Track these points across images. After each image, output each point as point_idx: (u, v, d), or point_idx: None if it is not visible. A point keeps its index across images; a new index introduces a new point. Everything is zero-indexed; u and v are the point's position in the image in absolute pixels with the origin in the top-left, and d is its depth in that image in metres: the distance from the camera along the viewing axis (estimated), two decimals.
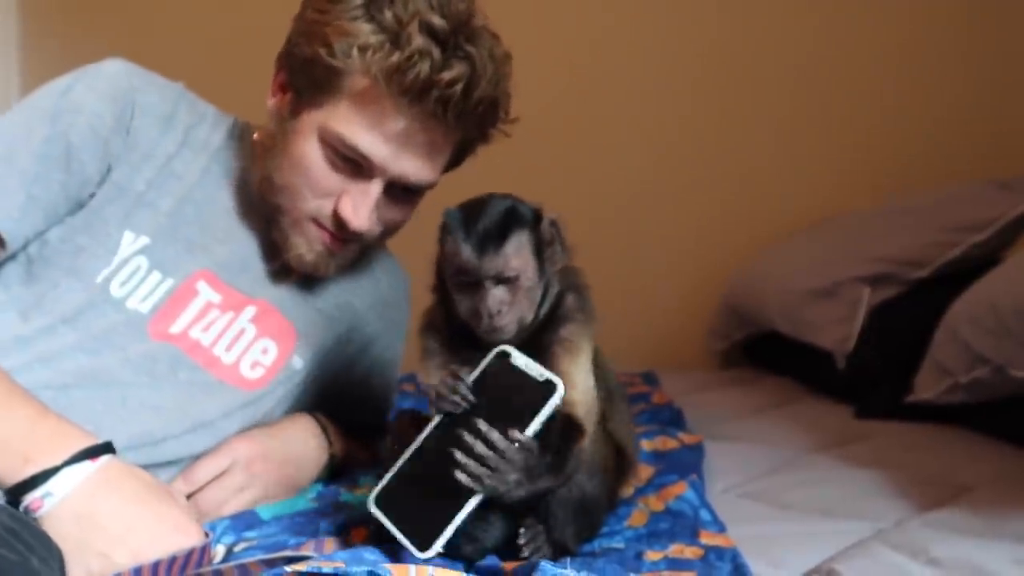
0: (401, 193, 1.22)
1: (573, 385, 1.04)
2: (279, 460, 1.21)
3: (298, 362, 1.28)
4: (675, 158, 2.66)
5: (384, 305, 1.42)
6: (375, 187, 1.18)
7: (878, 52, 2.63)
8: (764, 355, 2.48)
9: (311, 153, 1.17)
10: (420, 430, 1.01)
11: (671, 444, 1.50)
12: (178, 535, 0.95)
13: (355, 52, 1.11)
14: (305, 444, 1.26)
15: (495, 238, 1.00)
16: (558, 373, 1.01)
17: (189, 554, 0.93)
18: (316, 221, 1.21)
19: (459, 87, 1.12)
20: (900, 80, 2.62)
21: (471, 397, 0.97)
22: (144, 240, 1.19)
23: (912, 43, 2.62)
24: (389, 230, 1.28)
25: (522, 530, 0.99)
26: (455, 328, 1.05)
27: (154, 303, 1.18)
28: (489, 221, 1.01)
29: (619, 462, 1.16)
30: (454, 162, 1.28)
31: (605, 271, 2.46)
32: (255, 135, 1.30)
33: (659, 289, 2.65)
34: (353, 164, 1.17)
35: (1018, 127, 2.53)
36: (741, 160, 2.65)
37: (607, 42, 2.67)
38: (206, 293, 1.21)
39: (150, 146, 1.21)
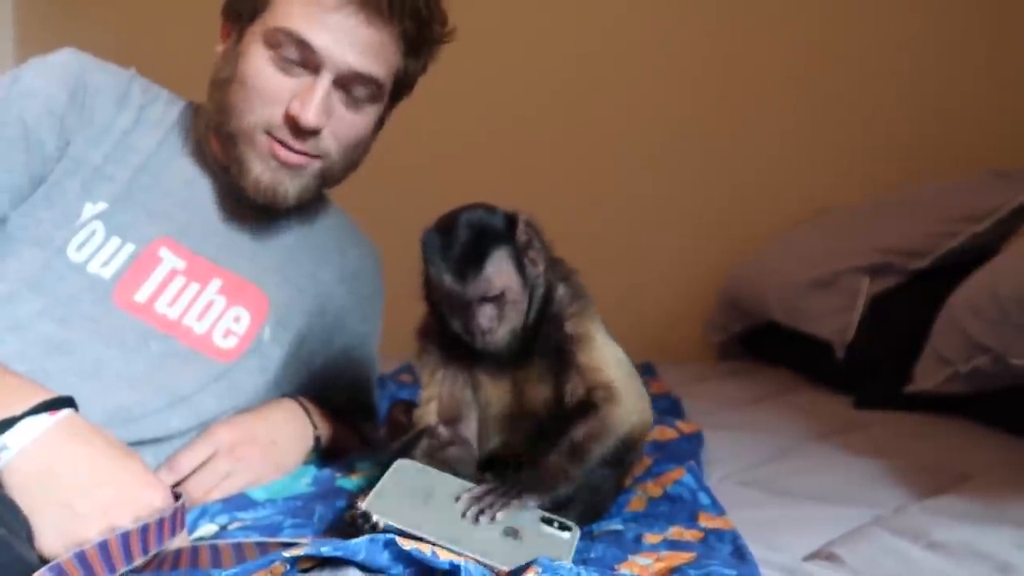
0: (351, 100, 1.22)
1: (597, 369, 1.06)
2: (263, 443, 1.20)
3: (267, 333, 1.27)
4: (673, 150, 2.66)
5: (353, 278, 1.42)
6: (323, 80, 1.18)
7: (876, 44, 2.62)
8: (762, 347, 2.47)
9: (258, 61, 1.18)
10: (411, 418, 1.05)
11: (670, 434, 1.49)
12: (145, 489, 0.93)
13: None
14: (289, 426, 1.26)
15: (474, 262, 1.00)
16: (579, 368, 1.05)
17: (172, 516, 0.92)
18: (269, 133, 1.20)
19: None
20: (898, 71, 2.62)
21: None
22: (102, 206, 1.19)
23: (910, 34, 2.61)
24: (344, 146, 1.26)
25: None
26: (449, 334, 1.06)
27: (116, 269, 1.18)
28: (465, 244, 1.01)
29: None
30: (400, 83, 1.29)
31: (603, 263, 2.47)
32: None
33: (657, 281, 2.65)
34: (298, 63, 1.18)
35: (1017, 118, 2.53)
36: (739, 152, 2.65)
37: (607, 34, 2.67)
38: (169, 260, 1.22)
39: (106, 122, 1.23)
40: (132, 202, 1.22)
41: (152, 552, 0.90)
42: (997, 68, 2.59)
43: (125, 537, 0.87)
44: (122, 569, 0.86)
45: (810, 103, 2.64)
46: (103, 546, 0.85)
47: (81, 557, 0.83)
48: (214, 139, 1.27)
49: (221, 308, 1.23)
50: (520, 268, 1.03)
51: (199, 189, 1.28)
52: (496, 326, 1.02)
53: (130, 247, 1.20)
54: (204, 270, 1.24)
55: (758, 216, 2.62)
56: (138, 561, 0.88)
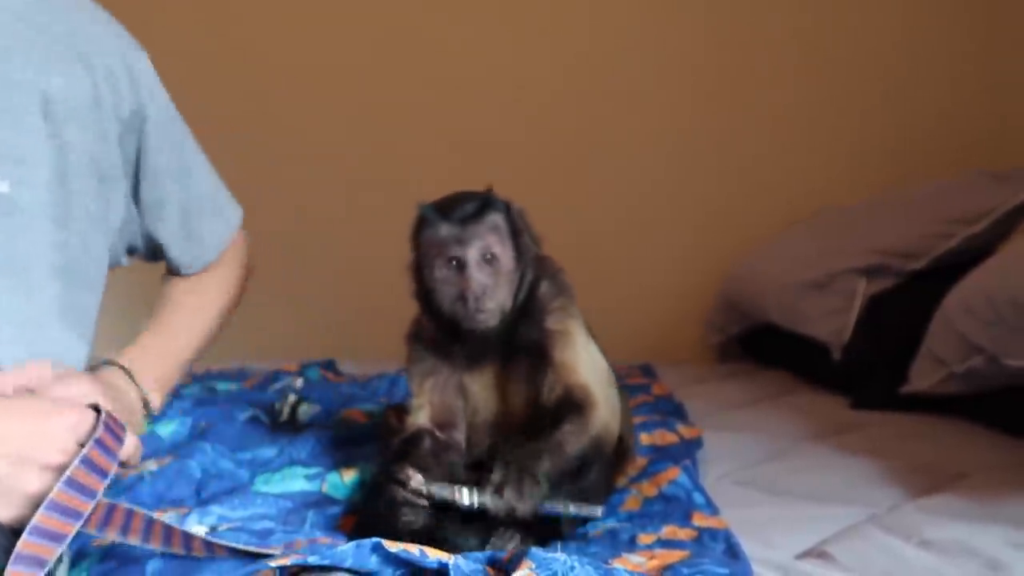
0: None
1: (574, 369, 1.07)
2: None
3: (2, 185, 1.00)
4: (672, 152, 2.67)
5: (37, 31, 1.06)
6: None
7: (873, 44, 2.63)
8: (760, 348, 2.48)
9: None
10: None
11: (670, 438, 1.49)
12: (57, 417, 0.85)
13: None
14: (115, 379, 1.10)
15: (473, 217, 1.05)
16: (555, 365, 1.06)
17: (109, 424, 0.86)
18: None
19: None
20: (895, 72, 2.63)
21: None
22: None
23: (907, 35, 2.62)
24: None
25: (493, 538, 1.00)
26: (441, 335, 1.09)
27: None
28: (466, 204, 1.06)
29: (616, 448, 1.17)
30: None
31: (603, 264, 2.49)
32: None
33: (656, 283, 2.65)
34: None
35: (1013, 119, 2.54)
36: (737, 154, 2.66)
37: (606, 35, 2.67)
38: None
39: None
40: None
41: (116, 461, 0.84)
42: (992, 68, 2.59)
43: (87, 463, 0.82)
44: (101, 489, 0.82)
45: (806, 104, 2.65)
46: (70, 482, 0.80)
47: (53, 505, 0.78)
48: None
49: None
50: (515, 242, 1.07)
51: None
52: (489, 295, 1.04)
53: None
54: None
55: (756, 217, 2.62)
56: (113, 471, 0.84)
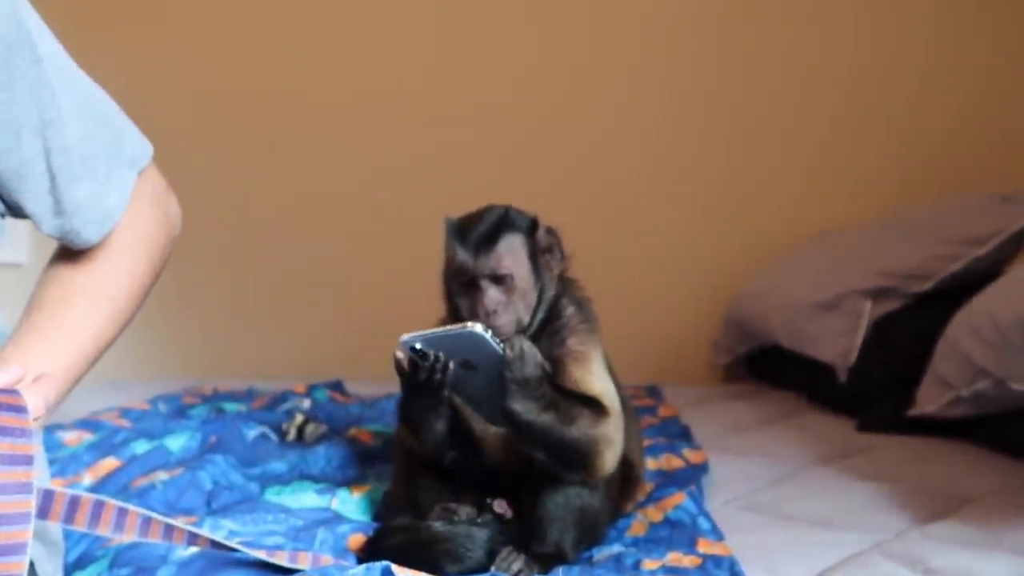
0: None
1: (589, 385, 1.09)
2: None
3: None
4: (679, 173, 2.67)
5: None
6: None
7: (880, 66, 2.64)
8: (766, 369, 2.48)
9: None
10: None
11: (676, 463, 1.50)
12: None
13: None
14: None
15: (488, 240, 1.08)
16: (571, 382, 1.08)
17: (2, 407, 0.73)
18: None
19: None
20: (903, 94, 2.63)
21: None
22: None
23: (915, 57, 2.63)
24: None
25: (498, 559, 1.01)
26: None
27: None
28: (484, 225, 1.09)
29: (625, 475, 1.17)
30: None
31: (609, 285, 2.47)
32: None
33: (663, 304, 2.66)
34: None
35: (1020, 141, 2.54)
36: (745, 175, 2.66)
37: (614, 57, 2.69)
38: None
39: None
40: None
41: (31, 439, 0.73)
42: (1001, 90, 2.60)
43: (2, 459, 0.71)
44: (32, 478, 0.72)
45: (815, 125, 2.66)
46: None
47: None
48: None
49: None
50: (533, 260, 1.09)
51: None
52: (501, 311, 1.06)
53: None
54: None
55: (762, 239, 2.63)
56: (35, 451, 0.73)
